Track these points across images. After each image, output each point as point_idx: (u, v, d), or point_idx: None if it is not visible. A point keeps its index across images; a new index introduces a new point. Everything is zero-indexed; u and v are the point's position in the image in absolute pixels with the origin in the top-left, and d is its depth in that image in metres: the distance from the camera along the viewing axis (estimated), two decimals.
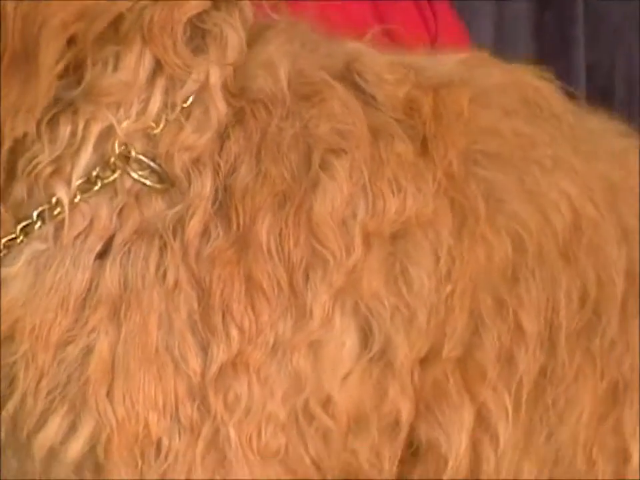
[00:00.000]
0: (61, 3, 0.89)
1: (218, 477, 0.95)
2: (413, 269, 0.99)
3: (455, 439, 1.02)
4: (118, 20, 0.95)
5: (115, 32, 0.95)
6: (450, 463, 1.02)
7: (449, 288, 1.01)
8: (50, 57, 0.90)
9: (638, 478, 1.08)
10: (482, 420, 1.03)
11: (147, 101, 0.97)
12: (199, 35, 1.00)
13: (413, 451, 1.03)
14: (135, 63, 0.96)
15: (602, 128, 1.20)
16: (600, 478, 1.08)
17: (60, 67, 0.92)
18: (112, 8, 0.93)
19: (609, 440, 1.08)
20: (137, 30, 0.96)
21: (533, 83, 1.14)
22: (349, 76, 1.04)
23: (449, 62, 1.11)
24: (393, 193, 0.99)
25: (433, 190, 1.00)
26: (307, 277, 0.96)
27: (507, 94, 1.12)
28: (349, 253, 0.97)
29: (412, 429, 1.02)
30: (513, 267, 1.04)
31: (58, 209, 0.95)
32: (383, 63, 1.05)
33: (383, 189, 0.99)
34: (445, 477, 1.02)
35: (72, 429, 0.95)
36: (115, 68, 0.96)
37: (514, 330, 1.03)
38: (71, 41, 0.92)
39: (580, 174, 1.10)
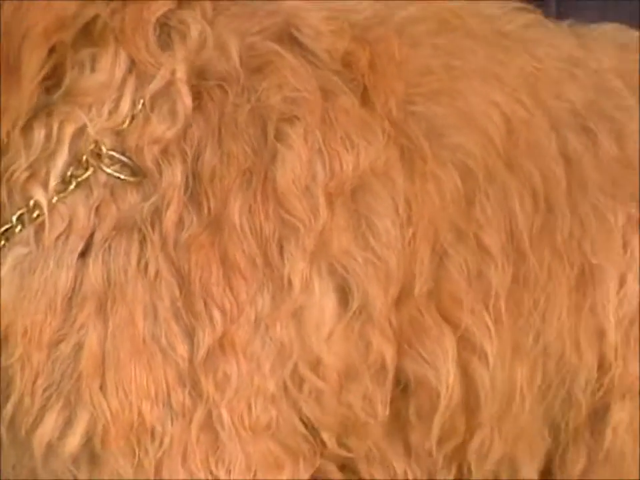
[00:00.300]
0: (42, 11, 0.92)
1: (212, 459, 1.00)
2: (378, 220, 1.04)
3: (442, 371, 1.08)
4: (92, 23, 0.98)
5: (90, 35, 0.99)
6: (442, 394, 1.08)
7: (411, 231, 1.06)
8: (32, 67, 0.94)
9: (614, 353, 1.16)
10: (467, 343, 1.10)
11: (118, 99, 1.00)
12: (165, 33, 1.03)
13: (402, 388, 1.09)
14: (111, 64, 1.00)
15: (514, 25, 1.24)
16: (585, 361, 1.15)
17: (42, 75, 0.95)
18: (85, 11, 0.96)
19: (589, 323, 1.17)
20: (110, 31, 0.99)
21: (450, 6, 1.19)
22: (289, 34, 1.07)
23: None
24: (347, 150, 1.04)
25: (382, 140, 1.05)
26: (281, 248, 1.00)
27: (426, 23, 1.16)
28: (316, 217, 1.01)
29: (399, 370, 1.08)
30: (465, 195, 1.10)
31: (36, 212, 0.98)
32: (319, 17, 1.08)
33: (337, 149, 1.03)
34: (440, 408, 1.09)
35: (68, 423, 0.99)
36: (93, 69, 1.00)
37: (478, 251, 1.10)
38: (52, 50, 0.95)
39: (502, 79, 1.16)
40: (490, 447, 1.15)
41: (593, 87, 1.22)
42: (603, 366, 1.18)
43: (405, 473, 1.12)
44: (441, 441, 1.12)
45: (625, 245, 1.18)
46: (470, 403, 1.12)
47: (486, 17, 1.21)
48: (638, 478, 1.19)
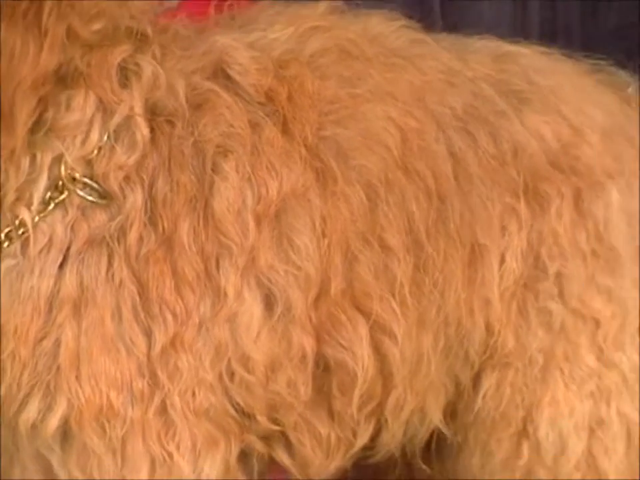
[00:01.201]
0: (30, 66, 1.09)
1: (165, 437, 1.19)
2: (297, 236, 1.22)
3: (358, 355, 1.27)
4: (67, 68, 1.15)
5: (65, 79, 1.16)
6: (359, 373, 1.27)
7: (326, 242, 1.24)
8: (24, 114, 1.11)
9: (498, 322, 1.34)
10: (378, 327, 1.28)
11: (88, 132, 1.17)
12: (124, 74, 1.19)
13: (324, 370, 1.27)
14: (82, 103, 1.17)
15: (402, 42, 1.39)
16: (477, 325, 1.34)
17: (31, 121, 1.13)
18: (63, 58, 1.13)
19: (480, 294, 1.34)
20: (80, 75, 1.16)
21: (347, 35, 1.34)
22: (223, 70, 1.24)
23: (284, 35, 1.30)
24: (272, 177, 1.21)
25: (300, 166, 1.23)
26: (218, 264, 1.19)
27: (330, 55, 1.32)
28: (246, 237, 1.19)
29: (321, 356, 1.26)
30: (369, 207, 1.27)
31: (22, 229, 1.15)
32: (247, 55, 1.25)
33: (264, 177, 1.21)
34: (358, 383, 1.27)
35: (49, 408, 1.16)
36: (67, 109, 1.17)
37: (383, 251, 1.27)
38: (40, 99, 1.13)
39: (395, 96, 1.32)
40: (404, 403, 1.34)
41: (470, 94, 1.37)
42: (490, 331, 1.36)
43: (329, 435, 1.31)
44: (360, 406, 1.31)
45: (502, 229, 1.35)
46: (384, 373, 1.31)
47: (376, 37, 1.36)
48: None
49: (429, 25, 1.48)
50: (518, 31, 2.23)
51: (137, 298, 1.16)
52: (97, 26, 1.16)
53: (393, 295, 1.27)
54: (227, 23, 1.34)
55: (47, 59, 1.11)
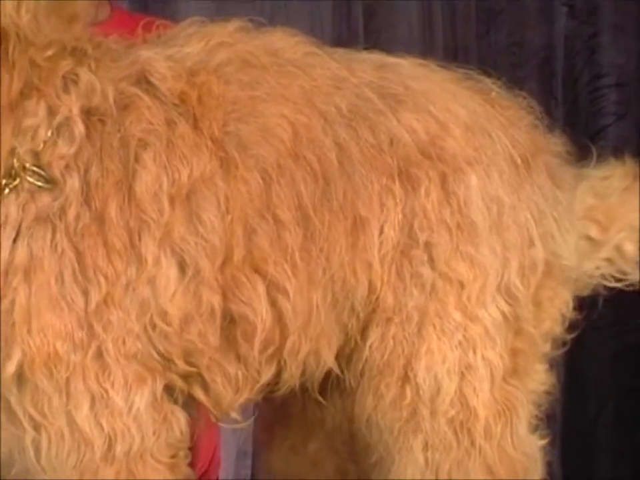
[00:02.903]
0: (7, 90, 1.33)
1: (102, 377, 1.39)
2: (204, 214, 1.45)
3: (258, 310, 1.49)
4: (27, 86, 1.37)
5: (25, 95, 1.38)
6: (259, 325, 1.49)
7: (229, 217, 1.46)
8: (8, 131, 1.36)
9: (379, 280, 1.54)
10: (273, 286, 1.49)
11: (36, 130, 1.39)
12: (66, 83, 1.41)
13: (230, 322, 1.48)
14: (35, 110, 1.39)
15: (297, 54, 1.60)
16: (360, 283, 1.52)
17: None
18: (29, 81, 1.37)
19: (362, 257, 1.55)
20: (35, 88, 1.38)
21: (248, 49, 1.56)
22: (145, 78, 1.47)
23: (196, 49, 1.54)
24: (183, 165, 1.44)
25: (207, 156, 1.46)
26: (140, 237, 1.41)
27: (234, 64, 1.54)
28: (162, 215, 1.42)
29: (227, 311, 1.47)
30: (265, 187, 1.48)
31: None
32: (165, 65, 1.48)
33: (176, 165, 1.44)
34: (258, 333, 1.48)
35: (7, 356, 1.37)
36: (25, 115, 1.39)
37: (276, 224, 1.48)
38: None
39: (288, 98, 1.53)
40: (299, 347, 1.52)
41: (354, 96, 1.57)
42: (372, 289, 1.57)
43: (237, 375, 1.50)
44: (261, 351, 1.52)
45: (381, 205, 1.54)
46: (280, 323, 1.50)
47: (275, 51, 1.58)
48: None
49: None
50: (427, 49, 2.50)
51: (76, 264, 1.37)
52: (49, 52, 1.39)
53: (286, 260, 1.49)
54: (153, 40, 1.58)
55: (17, 85, 1.35)
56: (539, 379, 1.70)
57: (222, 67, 1.52)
